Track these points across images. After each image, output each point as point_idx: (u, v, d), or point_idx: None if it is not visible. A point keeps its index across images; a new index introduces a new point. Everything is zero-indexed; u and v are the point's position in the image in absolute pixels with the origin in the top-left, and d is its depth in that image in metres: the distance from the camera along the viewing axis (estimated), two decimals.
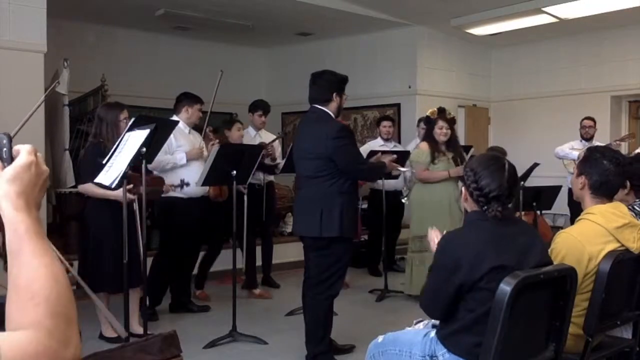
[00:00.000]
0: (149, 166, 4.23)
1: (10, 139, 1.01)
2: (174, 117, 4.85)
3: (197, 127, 5.17)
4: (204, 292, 5.61)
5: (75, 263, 4.29)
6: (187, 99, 4.93)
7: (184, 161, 4.77)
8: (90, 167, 4.12)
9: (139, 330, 4.11)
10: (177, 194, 4.72)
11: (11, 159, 1.00)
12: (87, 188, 4.11)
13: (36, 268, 0.90)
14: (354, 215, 3.92)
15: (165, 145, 4.46)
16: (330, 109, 3.82)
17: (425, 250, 5.13)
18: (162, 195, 4.65)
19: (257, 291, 5.66)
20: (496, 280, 2.02)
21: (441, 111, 5.27)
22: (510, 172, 2.20)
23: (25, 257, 0.91)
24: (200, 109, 4.98)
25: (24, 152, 1.00)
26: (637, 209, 2.95)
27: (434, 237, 2.48)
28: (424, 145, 5.32)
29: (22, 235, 0.93)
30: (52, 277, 0.90)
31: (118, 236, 3.95)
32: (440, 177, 5.22)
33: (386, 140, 6.65)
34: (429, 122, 5.42)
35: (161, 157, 4.57)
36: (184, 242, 4.83)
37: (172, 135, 4.52)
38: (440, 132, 5.23)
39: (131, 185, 3.86)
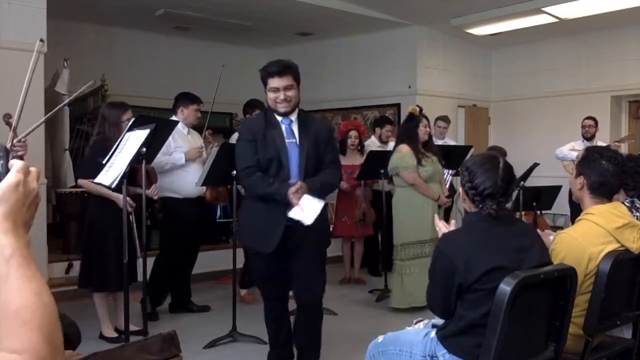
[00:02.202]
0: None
1: (7, 152, 0.99)
2: (173, 118, 4.85)
3: (196, 128, 5.16)
4: (249, 294, 5.45)
5: (76, 262, 4.29)
6: (183, 99, 4.90)
7: (183, 161, 4.76)
8: (94, 163, 4.12)
9: (135, 327, 4.12)
10: (172, 194, 4.73)
11: (7, 172, 0.97)
12: (88, 184, 4.11)
13: (26, 296, 0.88)
14: (259, 227, 3.29)
15: (163, 147, 4.45)
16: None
17: (419, 257, 5.00)
18: (161, 196, 4.65)
19: (242, 292, 5.43)
20: (493, 281, 2.02)
21: (421, 109, 5.10)
22: (505, 170, 2.20)
23: (13, 282, 0.89)
24: (198, 109, 4.95)
25: (12, 171, 0.97)
26: (637, 205, 2.95)
27: (442, 226, 2.46)
28: (405, 149, 4.97)
29: (8, 260, 0.90)
30: (42, 305, 0.89)
31: (119, 235, 3.95)
32: (430, 196, 4.98)
33: (383, 142, 6.60)
34: (411, 120, 5.05)
35: (160, 158, 4.57)
36: (182, 241, 4.83)
37: (170, 136, 4.52)
38: (425, 130, 5.03)
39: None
